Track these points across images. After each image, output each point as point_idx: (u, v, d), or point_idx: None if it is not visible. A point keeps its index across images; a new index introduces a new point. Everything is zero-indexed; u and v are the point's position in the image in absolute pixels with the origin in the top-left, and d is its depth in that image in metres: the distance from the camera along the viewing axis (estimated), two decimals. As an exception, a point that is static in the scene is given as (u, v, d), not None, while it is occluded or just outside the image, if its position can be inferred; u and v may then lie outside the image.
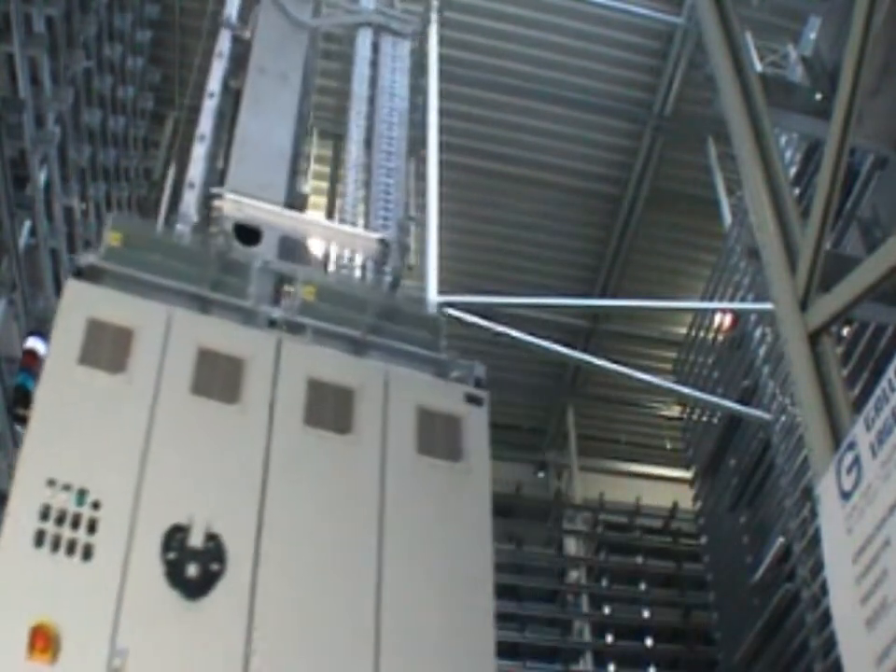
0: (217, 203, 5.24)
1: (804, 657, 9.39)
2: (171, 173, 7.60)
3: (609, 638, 13.33)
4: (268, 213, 5.29)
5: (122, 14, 10.80)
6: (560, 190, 14.57)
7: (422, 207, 11.42)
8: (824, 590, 7.86)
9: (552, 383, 16.75)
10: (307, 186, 8.45)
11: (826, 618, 8.47)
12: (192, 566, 4.16)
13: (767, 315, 10.58)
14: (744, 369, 11.52)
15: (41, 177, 8.28)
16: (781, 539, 10.00)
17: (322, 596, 4.32)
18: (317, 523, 4.40)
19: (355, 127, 7.57)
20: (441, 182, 11.21)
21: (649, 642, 13.30)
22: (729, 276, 12.01)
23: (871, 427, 3.78)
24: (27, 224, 8.09)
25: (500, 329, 10.80)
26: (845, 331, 8.03)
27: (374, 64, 8.06)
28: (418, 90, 13.13)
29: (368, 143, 7.50)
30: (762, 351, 10.96)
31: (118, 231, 4.77)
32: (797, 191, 8.74)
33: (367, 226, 6.68)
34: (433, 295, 10.21)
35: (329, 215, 14.62)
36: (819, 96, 6.19)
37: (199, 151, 6.35)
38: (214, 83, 6.93)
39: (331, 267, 6.55)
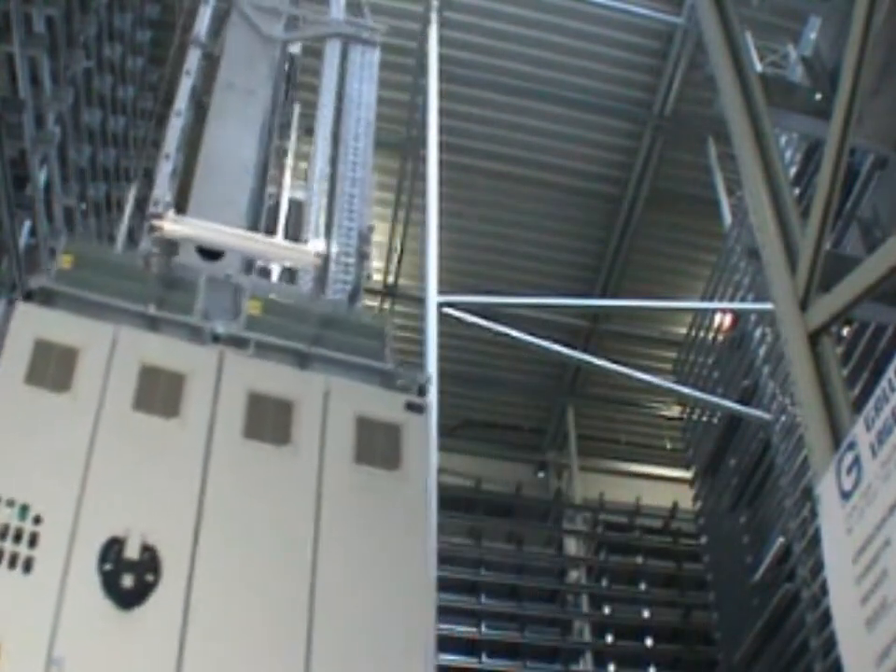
0: (155, 222, 5.30)
1: (804, 657, 9.38)
2: (131, 196, 7.68)
3: (609, 638, 13.33)
4: (203, 230, 5.34)
5: (122, 14, 10.80)
6: (560, 190, 14.57)
7: (422, 207, 11.44)
8: (824, 590, 7.87)
9: (552, 383, 16.76)
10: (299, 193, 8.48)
11: (826, 618, 8.47)
12: (127, 576, 4.28)
13: (767, 315, 10.58)
14: (744, 369, 11.52)
15: (41, 177, 8.28)
16: (781, 539, 10.00)
17: (256, 606, 4.42)
18: (253, 534, 4.48)
19: (321, 140, 7.65)
20: (441, 182, 11.21)
21: (649, 642, 13.29)
22: (729, 276, 12.01)
23: (871, 427, 3.78)
24: (27, 224, 8.09)
25: (500, 328, 10.80)
26: (845, 331, 8.03)
27: (343, 74, 8.18)
28: (418, 89, 13.17)
29: (334, 152, 7.68)
30: (762, 351, 10.96)
31: (69, 254, 4.98)
32: (797, 191, 8.74)
33: (329, 236, 6.79)
34: (433, 295, 10.21)
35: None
36: (818, 96, 6.19)
37: (164, 170, 6.42)
38: (181, 101, 7.00)
39: (292, 279, 6.59)
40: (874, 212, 6.75)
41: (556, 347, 11.33)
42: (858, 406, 4.08)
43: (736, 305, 11.73)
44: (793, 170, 9.32)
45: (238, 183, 6.23)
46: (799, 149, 9.59)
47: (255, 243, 5.55)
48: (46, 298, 4.81)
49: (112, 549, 4.29)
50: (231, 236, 5.39)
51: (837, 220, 7.28)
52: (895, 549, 3.50)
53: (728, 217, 12.73)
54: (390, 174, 14.40)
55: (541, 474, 17.09)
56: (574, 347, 13.37)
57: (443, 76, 12.28)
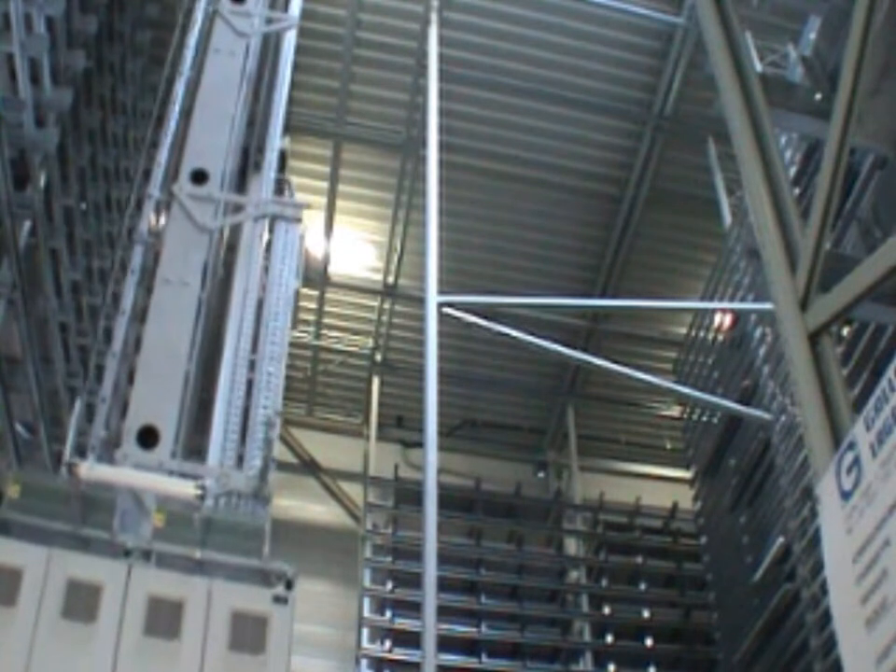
0: (73, 468, 6.40)
1: (804, 657, 9.39)
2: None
3: (609, 638, 13.35)
4: (108, 474, 6.48)
5: (122, 14, 10.80)
6: (560, 190, 14.57)
7: (422, 207, 11.44)
8: (824, 590, 7.88)
9: (552, 383, 16.76)
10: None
11: (826, 618, 8.47)
12: None
13: (767, 315, 10.58)
14: (744, 369, 11.52)
15: (41, 177, 8.28)
16: (781, 539, 10.00)
17: None
18: None
19: (235, 322, 8.15)
20: (441, 182, 11.21)
21: (649, 642, 13.31)
22: (729, 276, 12.02)
23: (871, 427, 3.79)
24: (27, 224, 8.08)
25: (500, 328, 10.80)
26: (845, 331, 8.03)
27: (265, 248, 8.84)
28: (418, 89, 13.18)
29: (256, 329, 8.20)
30: (762, 351, 10.96)
31: (17, 483, 6.05)
32: (797, 191, 8.74)
33: (248, 422, 7.57)
34: (433, 295, 10.22)
35: (329, 220, 14.69)
36: (818, 96, 6.20)
37: (109, 368, 7.41)
38: (126, 301, 7.72)
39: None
40: (874, 212, 6.76)
41: (556, 347, 11.34)
42: (858, 406, 4.08)
43: (736, 305, 11.73)
44: (793, 170, 9.32)
45: (171, 374, 7.10)
46: (799, 149, 9.59)
47: (143, 480, 6.49)
48: (1, 526, 5.85)
49: None
50: (126, 476, 6.51)
51: (837, 220, 7.29)
52: (895, 549, 3.50)
53: (728, 217, 12.73)
54: (390, 174, 14.41)
55: (541, 474, 17.08)
56: (574, 347, 13.37)
57: (443, 76, 12.29)
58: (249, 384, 7.82)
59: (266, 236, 8.64)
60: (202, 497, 6.39)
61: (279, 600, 5.81)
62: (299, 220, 8.74)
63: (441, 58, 12.33)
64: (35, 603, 5.51)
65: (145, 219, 8.14)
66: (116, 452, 6.74)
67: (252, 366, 7.93)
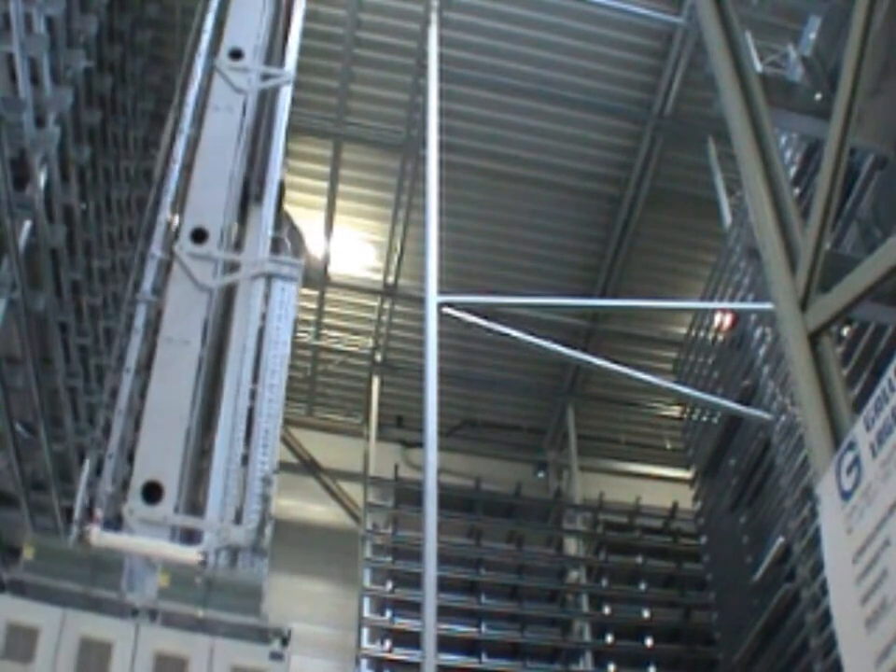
0: (84, 536, 6.83)
1: (804, 657, 9.39)
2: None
3: (609, 638, 13.35)
4: (116, 542, 6.87)
5: (122, 14, 10.80)
6: (560, 190, 14.57)
7: (422, 207, 11.44)
8: (824, 590, 7.87)
9: (552, 383, 16.76)
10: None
11: (826, 618, 8.47)
12: None
13: (767, 315, 10.58)
14: (744, 369, 11.51)
15: (41, 177, 8.28)
16: (781, 539, 10.00)
17: None
18: None
19: (232, 379, 8.39)
20: (441, 182, 11.21)
21: (649, 642, 13.31)
22: (729, 276, 12.01)
23: (871, 427, 3.78)
24: (27, 224, 8.08)
25: (500, 328, 10.80)
26: (845, 331, 8.03)
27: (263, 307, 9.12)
28: (418, 89, 13.18)
29: (253, 387, 8.43)
30: (762, 351, 10.95)
31: (31, 546, 6.44)
32: (797, 191, 8.74)
33: (246, 477, 7.88)
34: (433, 295, 10.22)
35: (329, 220, 14.69)
36: (818, 96, 6.19)
37: (116, 426, 7.76)
38: (130, 359, 8.08)
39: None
40: (874, 212, 6.76)
41: (556, 347, 11.33)
42: (858, 406, 4.08)
43: (736, 305, 11.73)
44: (793, 170, 9.32)
45: (173, 433, 7.44)
46: (799, 149, 9.59)
47: (149, 547, 6.88)
48: (16, 587, 6.21)
49: None
50: (133, 544, 6.89)
51: (837, 220, 7.28)
52: (895, 549, 3.50)
53: (728, 217, 12.73)
54: (390, 174, 14.41)
55: (541, 474, 17.09)
56: (574, 347, 13.37)
57: (443, 76, 12.28)
58: (247, 438, 8.12)
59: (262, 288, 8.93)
60: (203, 563, 6.79)
61: (275, 657, 6.24)
62: (294, 279, 9.02)
63: (441, 58, 12.33)
64: (51, 660, 5.87)
65: (148, 279, 8.45)
66: (122, 506, 7.11)
67: (250, 422, 8.20)
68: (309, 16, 11.63)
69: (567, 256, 15.27)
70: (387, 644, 12.62)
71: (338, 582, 14.57)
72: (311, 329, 16.02)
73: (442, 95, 12.03)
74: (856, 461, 3.84)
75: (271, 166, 9.45)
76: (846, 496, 3.86)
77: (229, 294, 9.01)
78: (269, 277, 8.85)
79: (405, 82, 13.57)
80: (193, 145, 9.10)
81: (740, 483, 11.38)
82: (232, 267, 8.57)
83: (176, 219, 8.80)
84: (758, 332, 11.13)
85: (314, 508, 15.88)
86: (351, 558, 14.12)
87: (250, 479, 7.83)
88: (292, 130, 11.60)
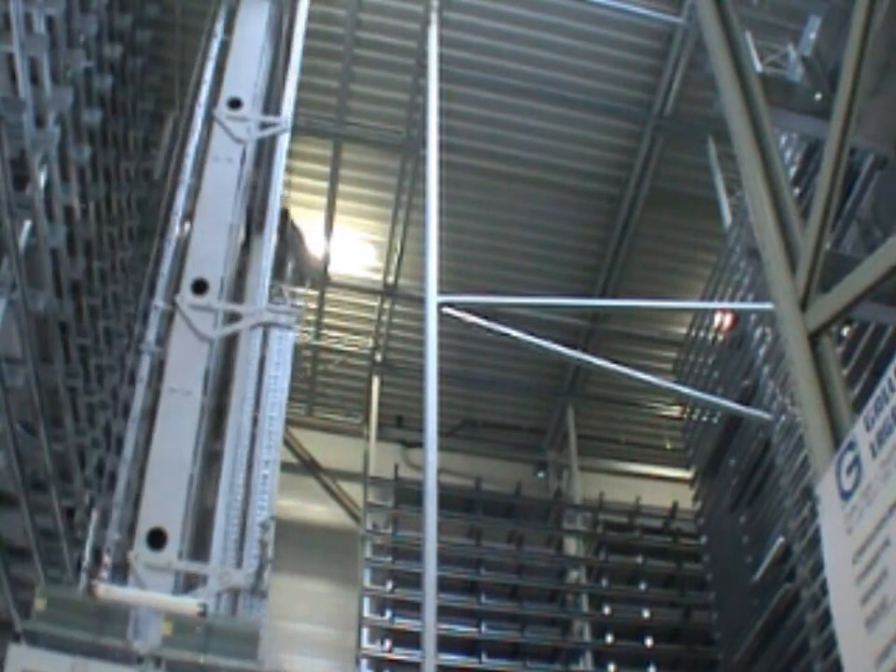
0: (92, 590, 7.10)
1: (804, 657, 9.39)
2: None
3: (609, 638, 13.35)
4: (121, 595, 7.18)
5: (122, 14, 10.80)
6: (560, 190, 14.58)
7: (422, 207, 11.44)
8: (824, 590, 7.87)
9: (552, 383, 16.76)
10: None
11: (826, 618, 8.47)
12: None
13: (767, 315, 10.57)
14: (744, 369, 11.51)
15: (41, 177, 8.27)
16: (781, 539, 10.00)
17: None
18: None
19: (233, 428, 8.69)
20: (441, 182, 11.21)
21: (649, 642, 13.31)
22: (729, 276, 12.01)
23: (871, 427, 3.78)
24: (27, 224, 8.08)
25: (500, 328, 10.80)
26: (845, 331, 8.03)
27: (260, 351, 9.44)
28: (418, 89, 13.17)
29: (253, 430, 8.76)
30: (762, 351, 10.95)
31: (43, 598, 6.76)
32: (797, 191, 8.74)
33: (246, 517, 8.20)
34: (433, 295, 10.22)
35: (329, 220, 14.68)
36: (818, 96, 6.19)
37: (122, 476, 8.23)
38: (135, 408, 8.46)
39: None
40: (874, 212, 6.76)
41: (556, 347, 11.33)
42: (858, 406, 4.08)
43: (736, 305, 11.73)
44: (793, 170, 9.32)
45: (176, 484, 7.75)
46: (799, 149, 9.59)
47: (152, 600, 7.16)
48: (29, 637, 6.58)
49: None
50: (137, 598, 7.20)
51: (837, 220, 7.28)
52: (895, 549, 3.50)
53: (728, 217, 12.73)
54: (390, 174, 14.41)
55: (541, 474, 17.09)
56: (574, 347, 13.38)
57: (443, 76, 12.28)
58: (247, 484, 8.43)
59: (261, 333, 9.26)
60: (203, 614, 7.05)
61: None
62: (292, 328, 9.36)
63: (441, 58, 12.33)
64: None
65: (152, 330, 8.85)
66: (129, 553, 7.43)
67: (250, 469, 8.50)
68: (309, 16, 11.64)
69: (567, 256, 15.27)
70: (387, 644, 12.62)
71: (338, 582, 14.57)
72: (311, 328, 16.03)
73: (442, 95, 12.02)
74: (856, 461, 3.84)
75: (269, 214, 9.65)
76: (846, 496, 3.86)
77: (229, 339, 9.26)
78: (267, 326, 9.16)
79: (405, 82, 13.57)
80: (194, 194, 9.38)
81: (740, 483, 11.38)
82: (233, 316, 8.85)
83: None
84: (758, 332, 11.13)
85: (314, 508, 15.88)
86: (351, 558, 14.13)
87: (249, 524, 8.10)
88: (292, 130, 11.59)
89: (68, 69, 8.78)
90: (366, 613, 12.94)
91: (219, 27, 10.91)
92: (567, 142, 14.15)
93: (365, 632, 12.80)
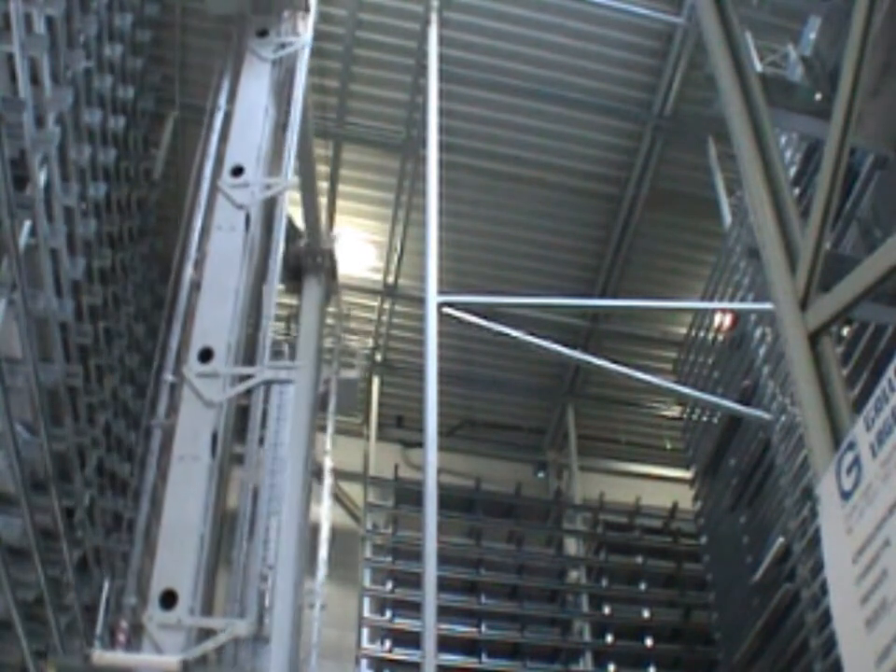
0: (87, 657, 7.34)
1: (804, 657, 9.39)
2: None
3: (609, 638, 13.35)
4: (115, 659, 7.50)
5: (122, 14, 10.79)
6: (560, 190, 14.58)
7: (422, 207, 11.44)
8: (824, 590, 7.88)
9: (552, 383, 16.76)
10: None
11: (826, 618, 8.47)
12: None
13: (767, 315, 10.58)
14: (744, 369, 11.52)
15: (41, 177, 8.26)
16: (781, 539, 10.00)
17: None
18: None
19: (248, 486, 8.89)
20: (441, 182, 11.21)
21: (649, 642, 13.31)
22: (729, 276, 12.01)
23: (871, 427, 3.78)
24: (27, 224, 8.07)
25: (500, 328, 10.80)
26: (845, 331, 8.03)
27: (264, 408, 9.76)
28: (418, 89, 13.18)
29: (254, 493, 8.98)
30: (762, 351, 10.96)
31: (53, 668, 7.35)
32: (797, 191, 8.74)
33: (247, 574, 8.42)
34: (433, 295, 10.22)
35: (329, 221, 14.67)
36: (818, 96, 6.20)
37: (137, 545, 8.67)
38: (147, 481, 8.80)
39: None
40: (874, 212, 6.76)
41: (556, 347, 11.33)
42: (858, 406, 4.08)
43: (736, 305, 11.73)
44: (793, 170, 9.32)
45: (188, 543, 7.97)
46: (799, 149, 9.59)
47: (136, 660, 7.47)
48: None
49: None
50: (124, 659, 7.52)
51: (837, 220, 7.29)
52: (895, 549, 3.50)
53: (728, 217, 12.73)
54: (390, 174, 14.41)
55: (541, 474, 17.09)
56: (574, 347, 13.37)
57: (443, 76, 12.28)
58: (250, 535, 8.69)
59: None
60: (186, 669, 7.30)
61: None
62: (292, 382, 9.54)
63: (441, 58, 12.33)
64: None
65: (162, 404, 9.20)
66: (143, 615, 7.66)
67: (252, 521, 8.78)
68: (309, 16, 11.63)
69: (567, 256, 15.27)
70: (387, 644, 12.62)
71: (338, 582, 14.56)
72: (311, 328, 16.01)
73: (442, 95, 12.02)
74: (856, 461, 3.84)
75: (271, 265, 9.64)
76: (846, 496, 3.86)
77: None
78: (269, 384, 9.30)
79: (405, 82, 13.57)
80: (200, 263, 9.65)
81: (740, 483, 11.38)
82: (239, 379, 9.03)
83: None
84: (758, 332, 11.13)
85: (314, 508, 15.86)
86: (351, 558, 14.12)
87: (251, 575, 8.33)
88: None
89: (68, 69, 8.77)
90: (366, 613, 12.93)
91: (222, 100, 11.08)
92: (566, 142, 14.15)
93: (365, 632, 12.79)
